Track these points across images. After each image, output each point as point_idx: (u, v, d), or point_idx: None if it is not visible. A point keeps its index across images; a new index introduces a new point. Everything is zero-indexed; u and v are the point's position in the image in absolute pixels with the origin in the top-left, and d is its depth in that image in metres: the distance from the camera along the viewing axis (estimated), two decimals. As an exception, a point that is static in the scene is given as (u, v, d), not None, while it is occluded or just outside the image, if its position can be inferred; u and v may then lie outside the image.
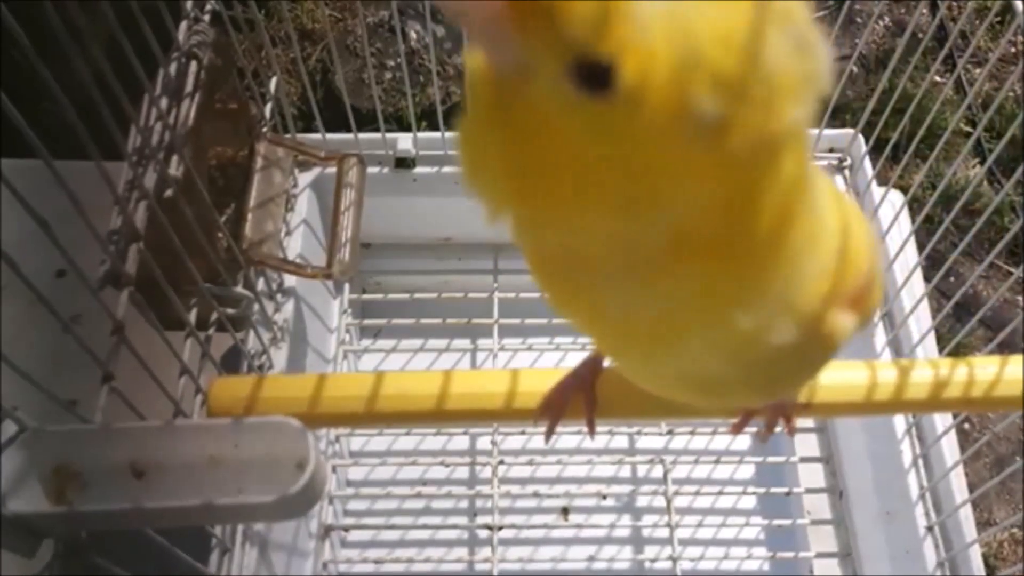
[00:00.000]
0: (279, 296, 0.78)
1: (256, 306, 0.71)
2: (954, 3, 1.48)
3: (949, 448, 0.75)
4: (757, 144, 0.26)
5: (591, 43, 0.24)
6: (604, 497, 0.91)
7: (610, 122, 0.25)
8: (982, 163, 1.34)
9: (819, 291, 0.32)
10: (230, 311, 0.66)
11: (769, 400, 0.49)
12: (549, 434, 0.53)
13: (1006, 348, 0.85)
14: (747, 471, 0.92)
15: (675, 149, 0.26)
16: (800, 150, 0.29)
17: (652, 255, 0.29)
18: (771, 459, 0.89)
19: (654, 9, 0.24)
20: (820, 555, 0.86)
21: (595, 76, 0.24)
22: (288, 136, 0.81)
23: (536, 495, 0.88)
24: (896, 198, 0.83)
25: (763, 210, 0.28)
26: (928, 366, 0.53)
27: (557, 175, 0.27)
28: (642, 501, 0.91)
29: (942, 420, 0.76)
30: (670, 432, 0.91)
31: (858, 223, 0.36)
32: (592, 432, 0.53)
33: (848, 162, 0.88)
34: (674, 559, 0.82)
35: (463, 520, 0.91)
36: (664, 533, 0.87)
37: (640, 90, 0.24)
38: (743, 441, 0.94)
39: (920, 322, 0.79)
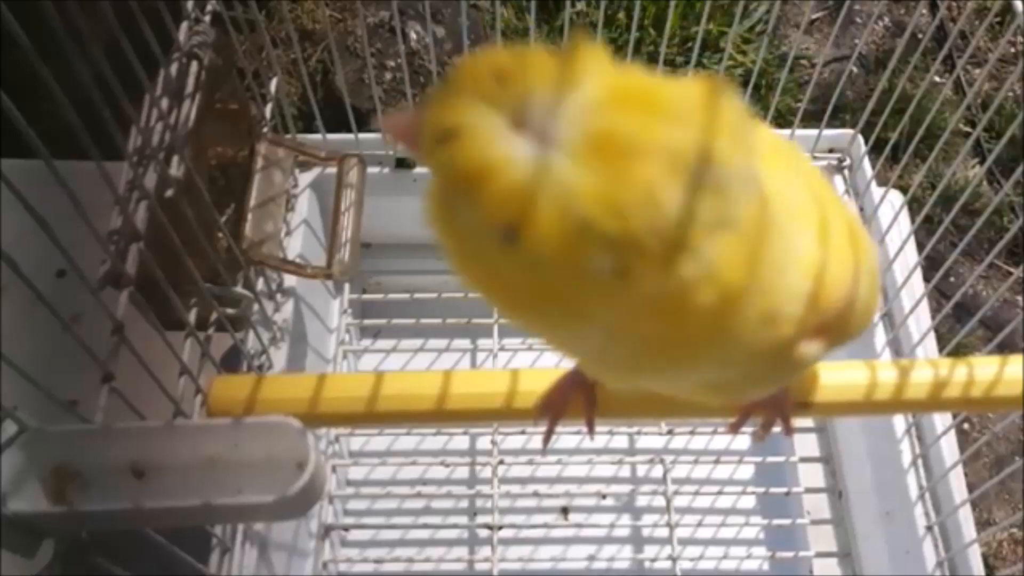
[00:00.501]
0: (279, 296, 0.78)
1: (256, 306, 0.71)
2: (954, 3, 1.48)
3: (949, 448, 0.75)
4: (664, 285, 0.28)
5: (490, 212, 0.27)
6: (604, 497, 0.91)
7: (519, 259, 0.28)
8: (981, 163, 1.34)
9: (781, 330, 0.33)
10: (230, 311, 0.66)
11: (736, 400, 0.50)
12: (548, 435, 0.53)
13: (1006, 348, 0.85)
14: (747, 471, 0.92)
15: (584, 285, 0.28)
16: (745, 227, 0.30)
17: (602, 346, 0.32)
18: (771, 459, 0.89)
19: (545, 179, 0.26)
20: (820, 555, 0.86)
21: (507, 231, 0.27)
22: (288, 136, 0.81)
23: (536, 495, 0.88)
24: (896, 198, 0.83)
25: (682, 310, 0.30)
26: (928, 366, 0.53)
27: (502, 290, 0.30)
28: (642, 501, 0.91)
29: (942, 420, 0.76)
30: (670, 432, 0.91)
31: (849, 244, 0.37)
32: (591, 432, 0.53)
33: (848, 162, 0.88)
34: (674, 559, 0.83)
35: (463, 520, 0.91)
36: (664, 533, 0.87)
37: (536, 252, 0.27)
38: (743, 441, 0.94)
39: (920, 322, 0.79)
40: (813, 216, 0.35)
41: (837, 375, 0.53)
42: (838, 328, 0.37)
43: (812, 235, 0.34)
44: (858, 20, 1.48)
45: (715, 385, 0.38)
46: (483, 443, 0.92)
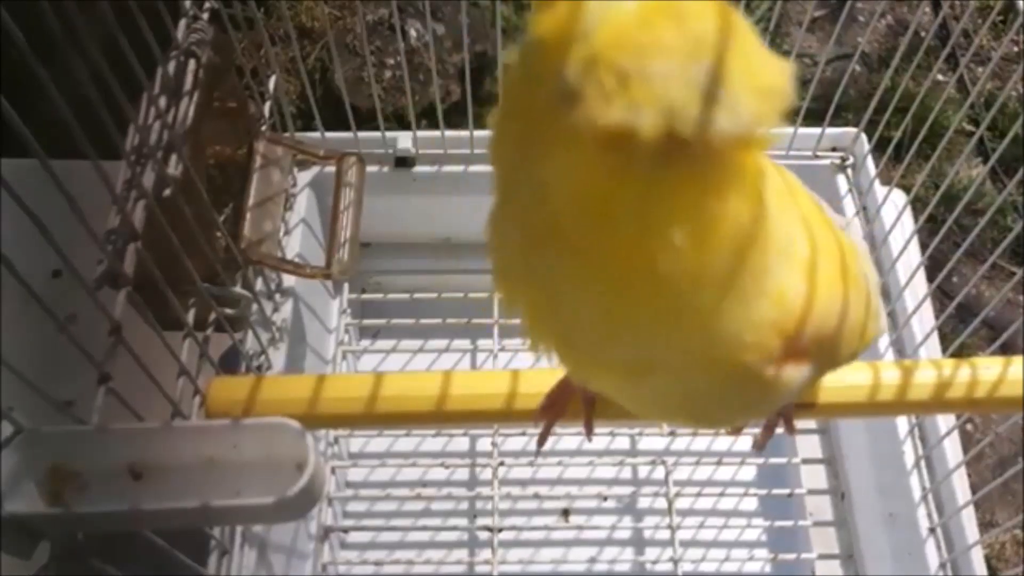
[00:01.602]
0: (278, 296, 0.78)
1: (255, 306, 0.71)
2: (956, 2, 1.48)
3: (952, 449, 0.75)
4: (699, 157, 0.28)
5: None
6: (605, 499, 0.91)
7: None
8: (985, 162, 1.34)
9: (756, 340, 0.34)
10: (228, 311, 0.66)
11: (714, 426, 0.50)
12: (544, 437, 0.53)
13: (1009, 349, 0.84)
14: (749, 472, 0.92)
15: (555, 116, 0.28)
16: (756, 195, 0.30)
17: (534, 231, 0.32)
18: (773, 460, 0.88)
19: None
20: (822, 556, 0.85)
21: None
22: (287, 135, 0.81)
23: (537, 497, 0.88)
24: (899, 198, 0.82)
25: (713, 238, 0.30)
26: (931, 367, 0.53)
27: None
28: (643, 503, 0.91)
29: (945, 421, 0.76)
30: (671, 434, 0.91)
31: (839, 272, 0.37)
32: (589, 434, 0.52)
33: (851, 161, 0.88)
34: (675, 561, 0.82)
35: (463, 522, 0.90)
36: (665, 535, 0.86)
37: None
38: (745, 443, 0.94)
39: (923, 323, 0.78)
40: (800, 248, 0.35)
41: (840, 376, 0.52)
42: (826, 354, 0.37)
43: (793, 268, 0.34)
44: (860, 18, 1.48)
45: (684, 404, 0.38)
46: (483, 444, 0.92)
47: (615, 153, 0.27)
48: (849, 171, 0.88)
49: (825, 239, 0.37)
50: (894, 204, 0.81)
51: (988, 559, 0.99)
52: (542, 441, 0.53)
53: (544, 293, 0.35)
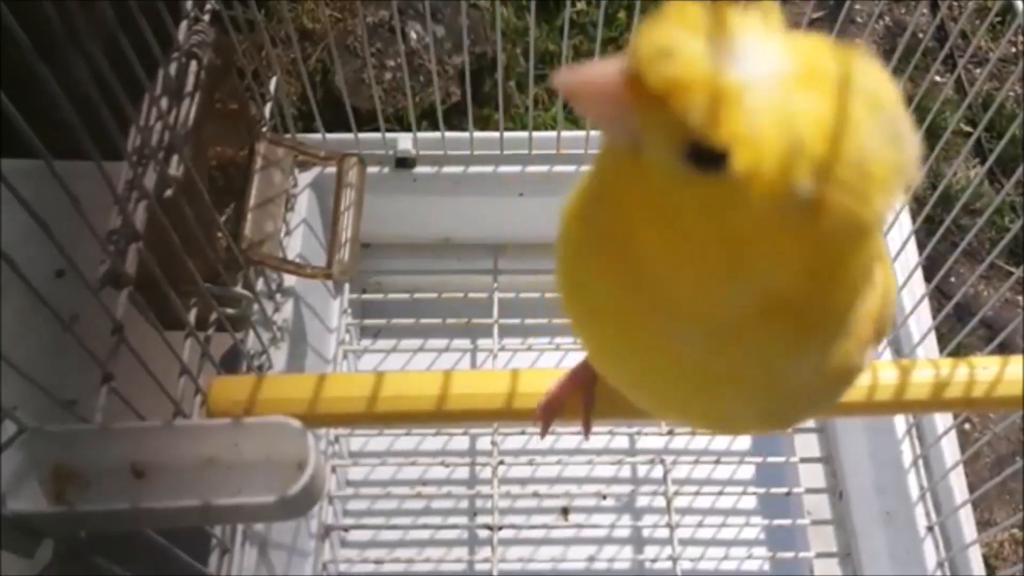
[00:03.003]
0: (279, 296, 0.78)
1: (256, 306, 0.71)
2: (954, 3, 1.48)
3: (949, 448, 0.75)
4: (848, 227, 0.28)
5: (707, 132, 0.26)
6: (604, 497, 0.91)
7: (717, 198, 0.28)
8: (982, 163, 1.34)
9: (862, 336, 0.34)
10: (230, 311, 0.66)
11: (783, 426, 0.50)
12: (544, 431, 0.53)
13: (1006, 348, 0.84)
14: (747, 471, 0.92)
15: (774, 225, 0.28)
16: (879, 230, 0.32)
17: (734, 319, 0.32)
18: (771, 459, 0.88)
19: (761, 100, 0.27)
20: (820, 555, 0.85)
21: (707, 158, 0.27)
22: (288, 136, 0.81)
23: (536, 495, 0.88)
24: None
25: (844, 282, 0.31)
26: (929, 366, 0.53)
27: (662, 241, 0.30)
28: (642, 501, 0.91)
29: (942, 420, 0.76)
30: (670, 432, 0.91)
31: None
32: (587, 432, 0.53)
33: (848, 162, 0.88)
34: (674, 559, 0.82)
35: (463, 520, 0.91)
36: (664, 533, 0.86)
37: (749, 175, 0.27)
38: (743, 441, 0.94)
39: (921, 322, 0.79)
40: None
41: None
42: (881, 337, 0.38)
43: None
44: (859, 20, 1.48)
45: (761, 413, 0.38)
46: (483, 443, 0.92)
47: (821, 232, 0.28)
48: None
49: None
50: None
51: (986, 558, 0.99)
52: (543, 433, 0.53)
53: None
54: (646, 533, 0.90)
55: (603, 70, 0.29)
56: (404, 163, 0.88)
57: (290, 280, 0.79)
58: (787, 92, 0.27)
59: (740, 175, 0.27)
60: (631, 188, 0.30)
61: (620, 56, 0.28)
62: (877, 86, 0.28)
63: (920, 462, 0.77)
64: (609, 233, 0.33)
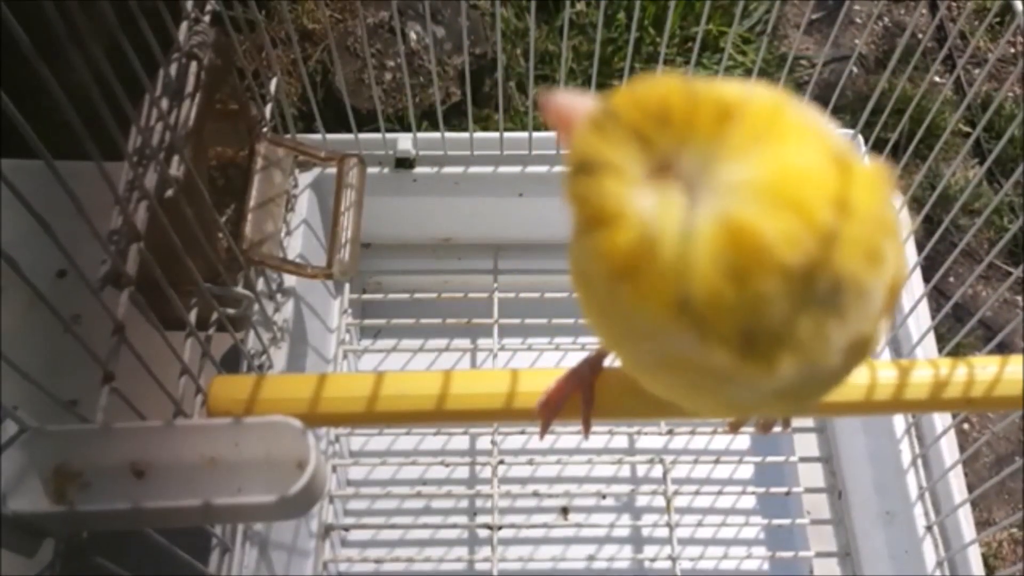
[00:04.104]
0: (279, 296, 0.78)
1: (256, 306, 0.71)
2: (953, 3, 1.48)
3: (948, 448, 0.75)
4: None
5: (607, 260, 0.27)
6: (604, 497, 0.91)
7: (624, 305, 0.28)
8: (981, 163, 1.34)
9: (878, 317, 0.34)
10: (230, 311, 0.66)
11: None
12: (544, 430, 0.53)
13: (1005, 348, 0.85)
14: (747, 471, 0.92)
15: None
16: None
17: None
18: (771, 459, 0.89)
19: (670, 236, 0.26)
20: (820, 555, 0.86)
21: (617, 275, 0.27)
22: (288, 136, 0.81)
23: (536, 495, 0.88)
24: (895, 198, 0.83)
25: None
26: (928, 366, 0.53)
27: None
28: (642, 501, 0.92)
29: (941, 420, 0.76)
30: (670, 432, 0.91)
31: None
32: (586, 431, 0.53)
33: (848, 162, 0.88)
34: (673, 559, 0.83)
35: (463, 520, 0.91)
36: (664, 533, 0.87)
37: (638, 303, 0.27)
38: (742, 441, 0.94)
39: (919, 322, 0.79)
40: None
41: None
42: (893, 308, 0.38)
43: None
44: (858, 20, 1.48)
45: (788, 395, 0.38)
46: (483, 443, 0.92)
47: None
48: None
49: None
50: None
51: (985, 557, 0.99)
52: (543, 432, 0.53)
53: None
54: (646, 533, 0.90)
55: (573, 103, 0.30)
56: (404, 163, 0.88)
57: (290, 280, 0.79)
58: (740, 203, 0.25)
59: (631, 304, 0.27)
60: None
61: (596, 105, 0.28)
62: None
63: (919, 462, 0.77)
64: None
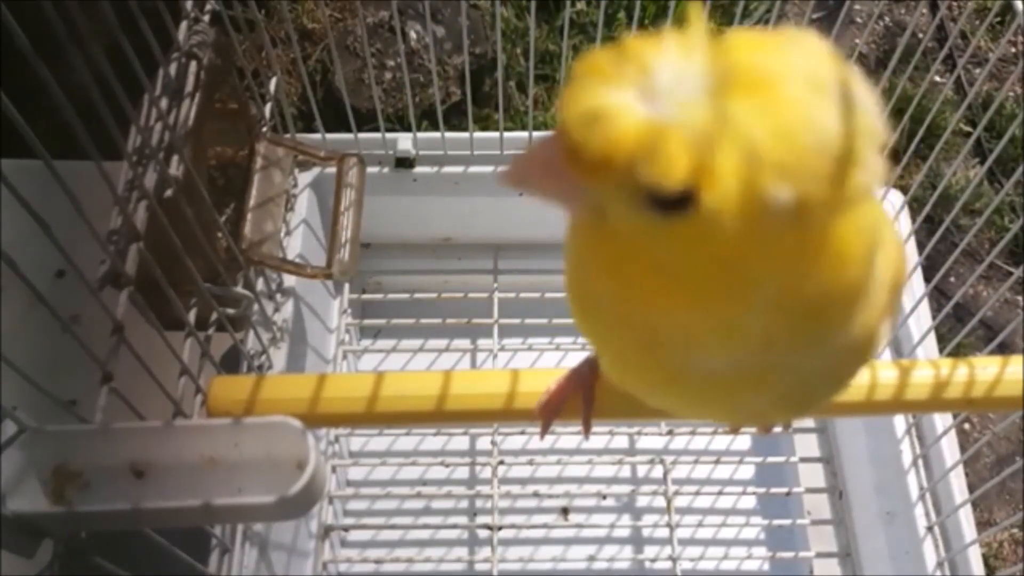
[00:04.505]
0: (279, 296, 0.78)
1: (256, 306, 0.71)
2: (954, 3, 1.48)
3: (949, 448, 0.75)
4: (835, 210, 0.28)
5: (659, 182, 0.26)
6: (604, 497, 0.91)
7: (696, 234, 0.27)
8: (982, 163, 1.34)
9: (879, 304, 0.34)
10: (230, 311, 0.66)
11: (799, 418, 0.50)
12: (544, 431, 0.53)
13: (1006, 348, 0.85)
14: (747, 471, 0.92)
15: (761, 236, 0.27)
16: (871, 198, 0.30)
17: (756, 335, 0.31)
18: (771, 459, 0.89)
19: (700, 125, 0.25)
20: (820, 555, 0.86)
21: (671, 202, 0.26)
22: (288, 136, 0.81)
23: (536, 495, 0.88)
24: (896, 198, 0.83)
25: (851, 256, 0.30)
26: (928, 366, 0.53)
27: (661, 295, 0.30)
28: (642, 501, 0.91)
29: (942, 420, 0.76)
30: (670, 432, 0.91)
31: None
32: (587, 431, 0.53)
33: (848, 162, 0.88)
34: (674, 559, 0.82)
35: (463, 520, 0.91)
36: (664, 533, 0.87)
37: (718, 207, 0.26)
38: (743, 441, 0.94)
39: (920, 322, 0.79)
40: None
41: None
42: (895, 311, 0.38)
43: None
44: (858, 20, 1.48)
45: (791, 398, 0.37)
46: (483, 443, 0.92)
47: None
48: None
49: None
50: (891, 204, 0.82)
51: (986, 558, 0.99)
52: (543, 432, 0.53)
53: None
54: (646, 533, 0.90)
55: (541, 152, 0.28)
56: (404, 163, 0.88)
57: (290, 280, 0.79)
58: (723, 106, 0.26)
59: (707, 211, 0.26)
60: (612, 255, 0.30)
61: (554, 132, 0.28)
62: (813, 63, 0.27)
63: (920, 462, 0.77)
64: (607, 307, 0.33)
